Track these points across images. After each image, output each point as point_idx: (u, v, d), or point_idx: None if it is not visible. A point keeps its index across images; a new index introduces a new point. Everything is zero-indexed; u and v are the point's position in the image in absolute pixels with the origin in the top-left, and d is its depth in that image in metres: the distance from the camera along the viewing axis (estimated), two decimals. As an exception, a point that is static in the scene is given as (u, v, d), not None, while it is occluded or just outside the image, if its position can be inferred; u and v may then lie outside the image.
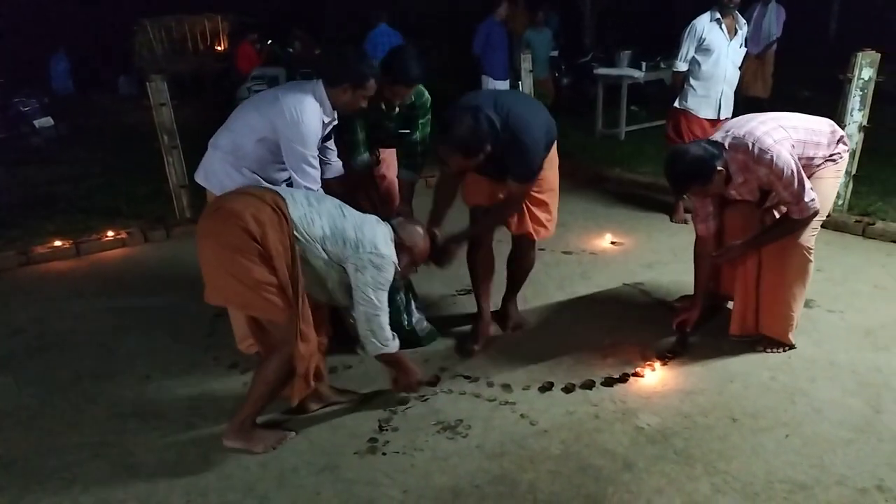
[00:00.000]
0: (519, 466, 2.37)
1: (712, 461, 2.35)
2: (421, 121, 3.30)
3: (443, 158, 2.79)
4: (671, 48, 5.05)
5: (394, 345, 2.53)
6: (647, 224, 4.87)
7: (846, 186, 4.57)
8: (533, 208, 3.06)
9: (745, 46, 4.83)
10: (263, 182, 2.79)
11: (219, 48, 14.57)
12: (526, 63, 6.15)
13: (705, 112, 4.67)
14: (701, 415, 2.62)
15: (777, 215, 2.93)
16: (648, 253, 4.32)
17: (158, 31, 14.07)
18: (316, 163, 2.79)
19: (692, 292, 3.23)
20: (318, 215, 2.39)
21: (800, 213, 2.75)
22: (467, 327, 3.37)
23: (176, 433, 2.64)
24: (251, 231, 2.24)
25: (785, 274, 2.91)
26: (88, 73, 14.43)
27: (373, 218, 2.57)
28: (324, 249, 2.38)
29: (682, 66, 4.67)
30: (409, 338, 3.14)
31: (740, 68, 4.78)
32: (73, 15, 15.65)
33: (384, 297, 2.46)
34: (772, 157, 2.67)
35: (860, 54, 4.33)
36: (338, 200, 2.56)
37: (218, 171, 2.86)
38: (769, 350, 3.03)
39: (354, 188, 3.16)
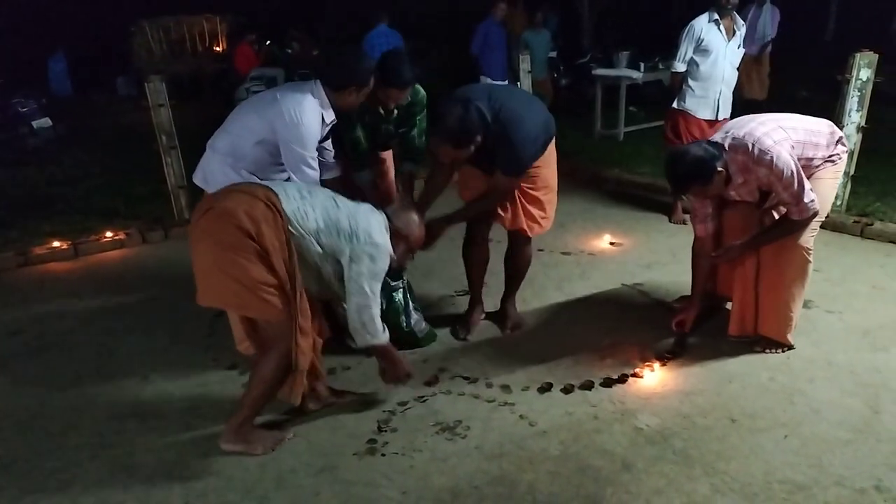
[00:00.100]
0: (518, 467, 2.37)
1: (711, 462, 2.35)
2: (418, 117, 3.35)
3: (434, 149, 2.82)
4: (669, 49, 5.05)
5: (384, 337, 2.51)
6: (645, 225, 4.87)
7: (844, 187, 4.57)
8: (527, 205, 3.08)
9: (743, 47, 4.84)
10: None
11: (217, 49, 14.56)
12: (524, 64, 6.16)
13: (703, 113, 4.68)
14: (700, 415, 2.62)
15: (776, 216, 2.93)
16: (647, 253, 4.32)
17: (157, 32, 14.04)
18: (315, 164, 2.80)
19: (690, 293, 3.24)
20: (311, 208, 2.36)
21: (799, 214, 2.75)
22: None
23: (175, 434, 2.63)
24: (246, 228, 2.21)
25: (784, 274, 2.91)
26: (87, 73, 14.42)
27: (367, 206, 2.54)
28: (318, 243, 2.36)
29: (680, 67, 4.67)
30: (407, 339, 3.14)
31: (738, 69, 4.79)
32: (71, 15, 15.63)
33: (378, 287, 2.44)
34: (772, 157, 2.67)
35: (858, 55, 4.34)
36: (330, 191, 2.54)
37: (217, 173, 2.85)
38: (768, 351, 3.03)
39: (353, 191, 3.16)
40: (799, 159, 2.75)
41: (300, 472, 2.39)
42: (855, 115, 4.43)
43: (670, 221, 4.89)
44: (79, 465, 2.47)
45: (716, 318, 3.32)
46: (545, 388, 2.84)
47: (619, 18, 14.20)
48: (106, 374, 3.12)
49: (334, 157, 3.06)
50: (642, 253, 4.34)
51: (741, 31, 4.70)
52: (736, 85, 4.84)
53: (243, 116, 2.86)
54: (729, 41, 4.59)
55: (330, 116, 2.84)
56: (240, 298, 2.30)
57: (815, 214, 2.79)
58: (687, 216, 4.43)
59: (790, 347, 3.03)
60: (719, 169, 2.71)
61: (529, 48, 7.45)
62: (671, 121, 4.83)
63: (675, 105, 4.76)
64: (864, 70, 4.35)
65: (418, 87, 3.26)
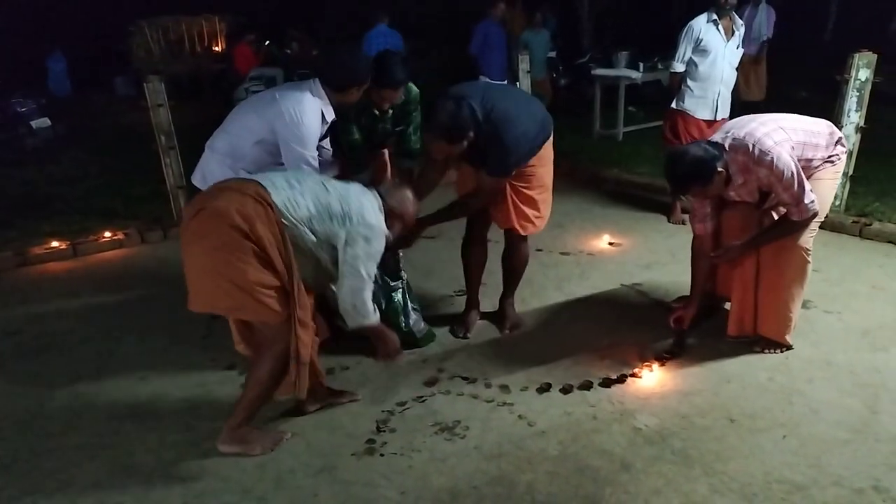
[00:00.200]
0: (517, 467, 2.37)
1: (710, 462, 2.35)
2: (414, 114, 3.39)
3: (427, 144, 2.83)
4: (668, 49, 5.06)
5: (375, 317, 2.47)
6: (644, 225, 4.87)
7: (843, 187, 4.58)
8: (521, 204, 3.07)
9: (742, 47, 4.84)
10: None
11: (216, 49, 14.56)
12: (524, 64, 6.15)
13: (702, 113, 4.68)
14: (698, 415, 2.62)
15: (776, 216, 2.93)
16: (646, 253, 4.32)
17: (156, 32, 14.04)
18: (315, 163, 2.80)
19: (689, 293, 3.24)
20: (301, 196, 2.31)
21: (799, 214, 2.75)
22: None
23: (173, 434, 2.63)
24: (240, 227, 2.17)
25: (783, 275, 2.91)
26: (86, 73, 14.42)
27: (357, 186, 2.48)
28: (311, 230, 2.31)
29: (679, 67, 4.68)
30: (406, 339, 3.13)
31: (737, 70, 4.79)
32: (70, 15, 15.63)
33: (373, 268, 2.41)
34: (772, 158, 2.67)
35: (857, 55, 4.34)
36: (319, 176, 2.49)
37: (216, 174, 2.85)
38: (767, 351, 3.03)
39: None
40: (799, 160, 2.76)
41: (299, 472, 2.39)
42: (854, 116, 4.44)
43: (669, 221, 4.89)
44: (78, 466, 2.47)
45: (715, 319, 3.32)
46: (544, 388, 2.84)
47: (619, 18, 14.19)
48: (105, 375, 3.11)
49: (332, 157, 3.07)
50: (641, 253, 4.34)
51: (740, 31, 4.71)
52: (734, 87, 4.84)
53: (242, 116, 2.87)
54: (728, 41, 4.60)
55: (330, 114, 2.85)
56: (234, 301, 2.24)
57: (815, 215, 2.79)
58: (686, 216, 4.43)
59: (789, 348, 3.04)
60: (719, 169, 2.71)
61: (528, 48, 7.45)
62: (670, 121, 4.83)
63: (673, 105, 4.76)
64: (862, 70, 4.35)
65: (411, 85, 3.30)
